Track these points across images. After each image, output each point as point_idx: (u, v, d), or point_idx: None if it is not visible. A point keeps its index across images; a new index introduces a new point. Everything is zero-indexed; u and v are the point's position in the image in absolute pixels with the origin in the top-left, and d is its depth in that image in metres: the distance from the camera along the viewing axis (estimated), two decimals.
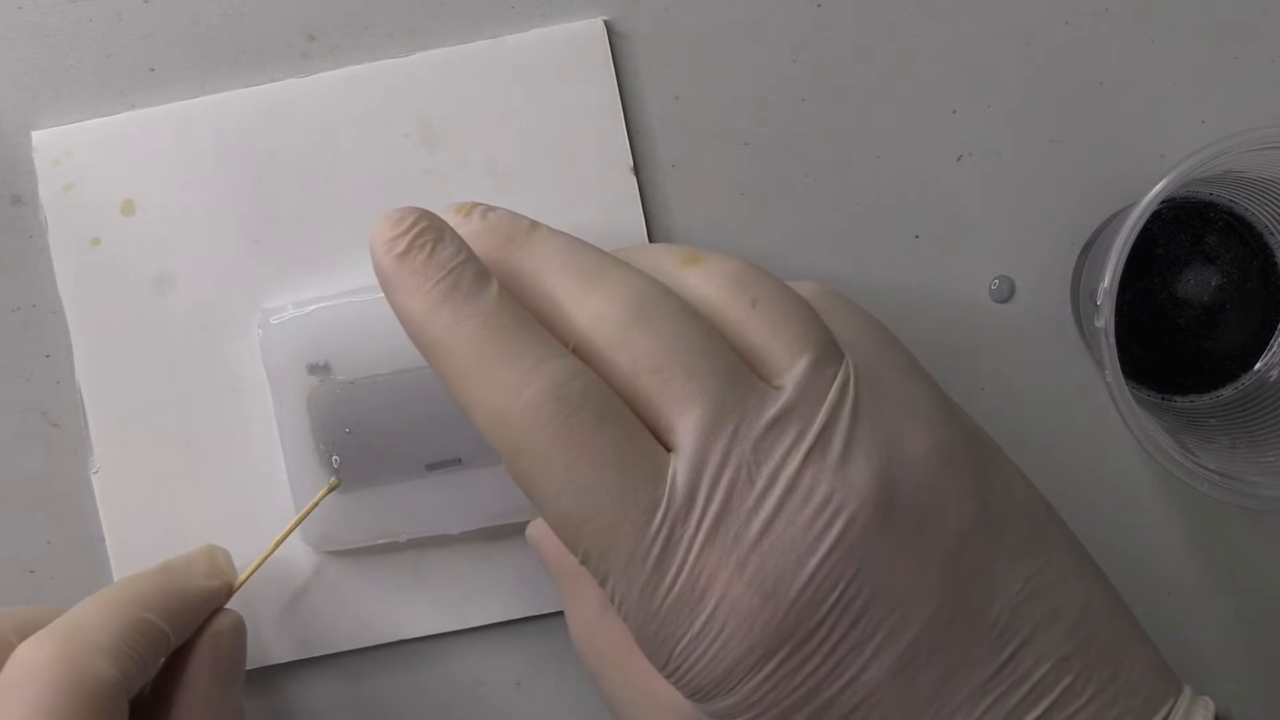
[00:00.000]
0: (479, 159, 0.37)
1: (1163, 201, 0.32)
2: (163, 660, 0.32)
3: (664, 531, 0.27)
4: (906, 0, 0.37)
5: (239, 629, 0.34)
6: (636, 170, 0.37)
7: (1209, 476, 0.32)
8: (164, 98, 0.37)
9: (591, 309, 0.28)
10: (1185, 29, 0.37)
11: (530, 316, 0.29)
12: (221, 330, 0.37)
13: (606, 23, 0.37)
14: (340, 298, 0.36)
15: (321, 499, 0.35)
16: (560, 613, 0.36)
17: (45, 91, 0.37)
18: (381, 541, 0.36)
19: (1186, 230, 0.36)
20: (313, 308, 0.36)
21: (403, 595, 0.37)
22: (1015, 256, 0.37)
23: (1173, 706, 0.28)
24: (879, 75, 0.37)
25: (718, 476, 0.27)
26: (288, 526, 0.35)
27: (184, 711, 0.32)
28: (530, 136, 0.37)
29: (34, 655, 0.29)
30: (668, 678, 0.28)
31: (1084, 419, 0.37)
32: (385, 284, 0.29)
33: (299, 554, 0.37)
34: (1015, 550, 0.28)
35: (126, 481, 0.37)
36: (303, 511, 0.35)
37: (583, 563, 0.28)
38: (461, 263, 0.28)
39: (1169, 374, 0.37)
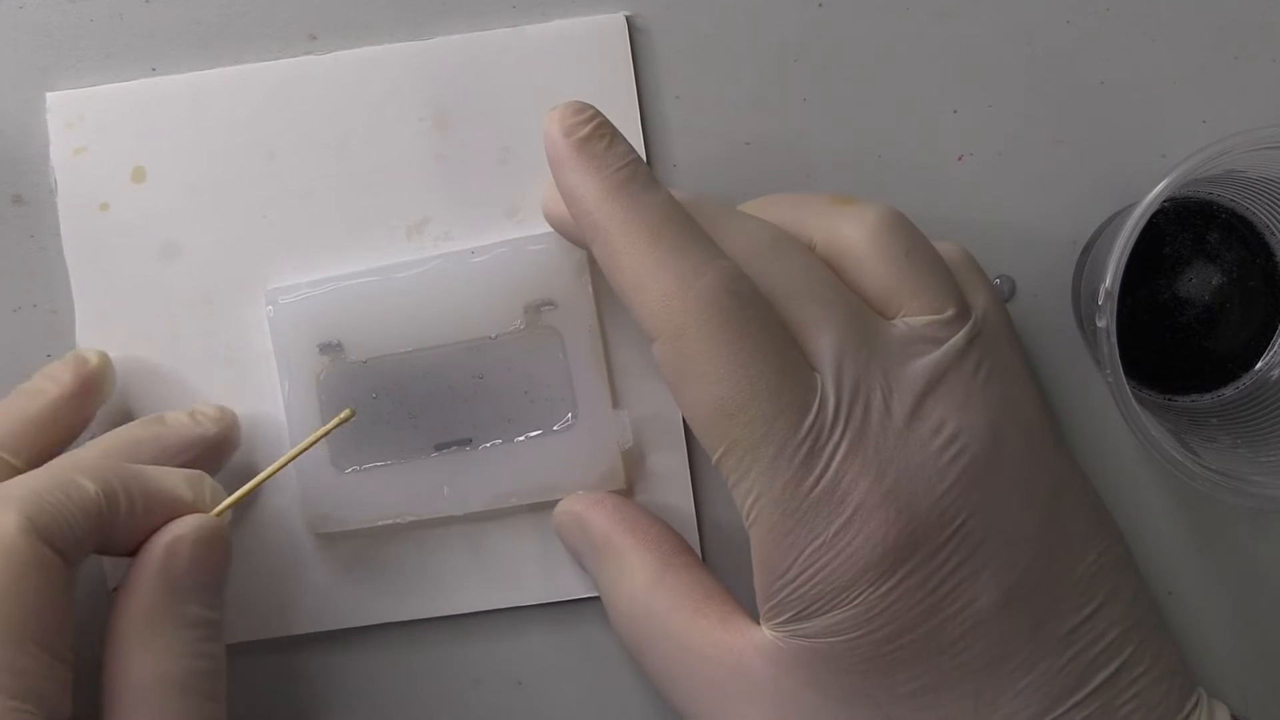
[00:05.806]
0: (493, 147, 0.37)
1: (1164, 201, 0.32)
2: (104, 534, 0.30)
3: (814, 433, 0.28)
4: (907, 0, 0.37)
5: (208, 539, 0.31)
6: None
7: (1210, 476, 0.32)
8: None
9: (727, 243, 0.30)
10: (1186, 29, 0.37)
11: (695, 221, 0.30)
12: (224, 303, 0.37)
13: (628, 18, 0.37)
14: (354, 277, 0.36)
15: (334, 428, 0.33)
16: (562, 607, 0.37)
17: (46, 91, 0.37)
18: (383, 524, 0.36)
19: (1188, 230, 0.36)
20: (328, 287, 0.36)
21: (405, 577, 0.36)
22: (1016, 256, 0.37)
23: (1199, 699, 0.31)
24: (879, 75, 0.37)
25: (856, 392, 0.29)
26: (289, 454, 0.33)
27: (121, 613, 0.30)
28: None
29: None
30: (780, 590, 0.29)
31: (1085, 418, 0.37)
32: (561, 164, 0.30)
33: (298, 531, 0.36)
34: (1090, 526, 0.31)
35: None
36: (310, 438, 0.33)
37: (721, 457, 0.29)
38: (637, 160, 0.30)
39: (1170, 373, 0.37)
